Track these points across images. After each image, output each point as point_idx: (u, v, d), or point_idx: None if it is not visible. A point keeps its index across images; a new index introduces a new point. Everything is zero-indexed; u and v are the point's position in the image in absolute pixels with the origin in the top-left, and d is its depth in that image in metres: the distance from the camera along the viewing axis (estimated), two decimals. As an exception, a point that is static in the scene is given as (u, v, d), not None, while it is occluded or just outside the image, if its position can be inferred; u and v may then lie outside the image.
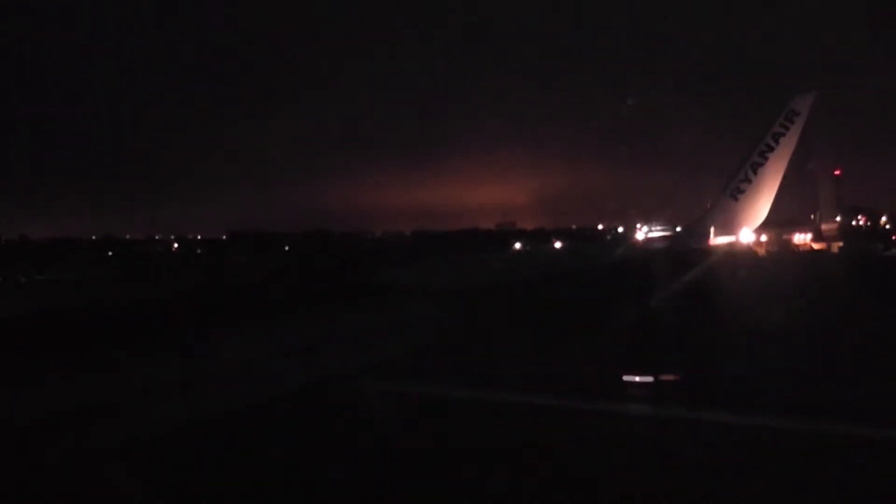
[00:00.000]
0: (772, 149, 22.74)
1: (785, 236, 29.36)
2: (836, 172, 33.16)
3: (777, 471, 5.38)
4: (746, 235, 23.59)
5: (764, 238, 28.20)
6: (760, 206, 23.26)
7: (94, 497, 5.12)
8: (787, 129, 22.83)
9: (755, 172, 22.90)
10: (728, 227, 23.21)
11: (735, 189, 23.18)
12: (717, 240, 23.00)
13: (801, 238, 29.56)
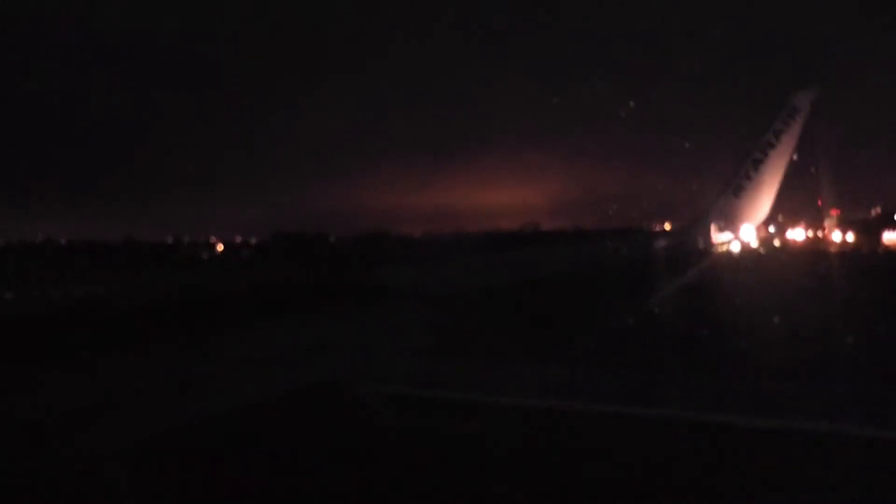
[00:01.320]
0: (773, 145, 22.68)
1: (872, 235, 27.50)
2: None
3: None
4: (748, 233, 23.45)
5: (851, 237, 26.95)
6: (762, 203, 23.18)
7: (93, 498, 5.21)
8: (788, 125, 22.75)
9: (756, 169, 22.83)
10: (729, 225, 23.13)
11: (737, 186, 23.11)
12: (718, 238, 22.91)
13: (891, 237, 27.61)
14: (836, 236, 28.09)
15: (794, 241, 26.21)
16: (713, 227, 23.07)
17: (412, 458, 5.94)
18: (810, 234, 27.55)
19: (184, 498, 5.30)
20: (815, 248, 26.42)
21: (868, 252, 27.09)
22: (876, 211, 30.97)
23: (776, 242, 24.25)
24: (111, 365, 7.81)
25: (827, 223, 27.86)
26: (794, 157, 22.80)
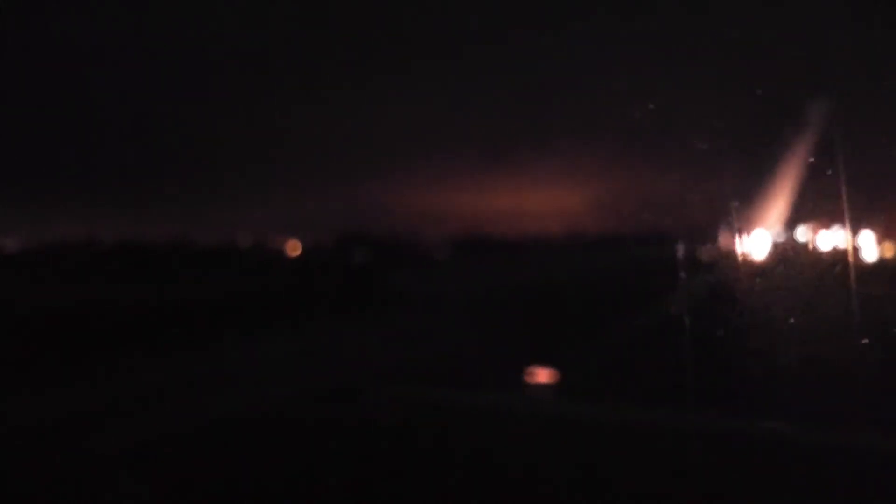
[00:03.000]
0: (784, 155, 22.70)
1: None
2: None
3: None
4: (758, 241, 23.32)
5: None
6: (774, 210, 23.16)
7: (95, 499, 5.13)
8: (800, 134, 22.77)
9: (766, 177, 22.84)
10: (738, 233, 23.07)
11: (746, 194, 23.10)
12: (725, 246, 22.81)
13: None
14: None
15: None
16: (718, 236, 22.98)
17: (420, 461, 5.87)
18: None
19: (188, 499, 5.24)
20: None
21: None
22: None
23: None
24: (118, 366, 7.80)
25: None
26: (811, 163, 22.80)
